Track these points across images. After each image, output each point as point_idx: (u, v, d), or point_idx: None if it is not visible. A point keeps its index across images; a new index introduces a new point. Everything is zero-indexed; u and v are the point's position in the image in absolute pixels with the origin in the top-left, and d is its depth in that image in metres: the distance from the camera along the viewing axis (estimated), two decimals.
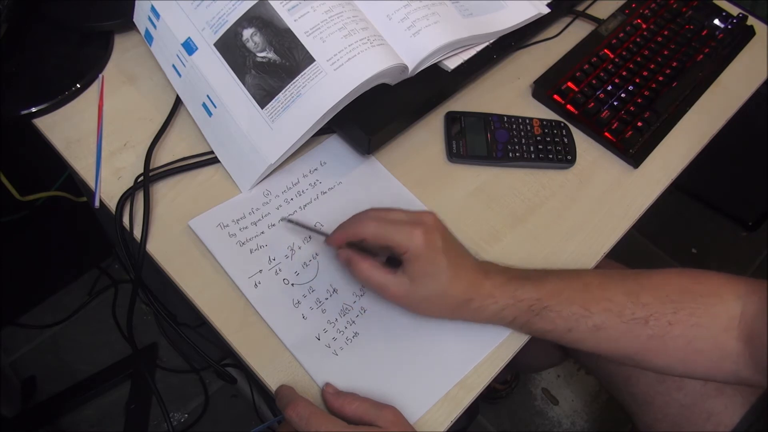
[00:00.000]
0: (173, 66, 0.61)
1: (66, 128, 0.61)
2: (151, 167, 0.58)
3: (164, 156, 0.60)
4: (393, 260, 0.50)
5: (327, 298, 0.53)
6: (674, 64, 0.72)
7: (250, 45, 0.57)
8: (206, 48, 0.58)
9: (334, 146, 0.63)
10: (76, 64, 0.64)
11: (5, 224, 0.92)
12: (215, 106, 0.58)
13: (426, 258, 0.47)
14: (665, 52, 0.73)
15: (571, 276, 0.53)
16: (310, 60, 0.55)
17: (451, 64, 0.64)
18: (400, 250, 0.47)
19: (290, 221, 0.56)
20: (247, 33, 0.57)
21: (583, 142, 0.67)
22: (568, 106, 0.68)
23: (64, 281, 1.26)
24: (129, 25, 0.65)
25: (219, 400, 1.19)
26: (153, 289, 0.57)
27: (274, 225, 0.57)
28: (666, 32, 0.75)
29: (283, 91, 0.56)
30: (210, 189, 0.59)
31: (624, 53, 0.72)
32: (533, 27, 0.70)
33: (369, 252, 0.50)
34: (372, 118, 0.58)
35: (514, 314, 0.50)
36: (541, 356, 0.94)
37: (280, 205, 0.58)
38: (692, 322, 0.49)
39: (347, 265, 0.50)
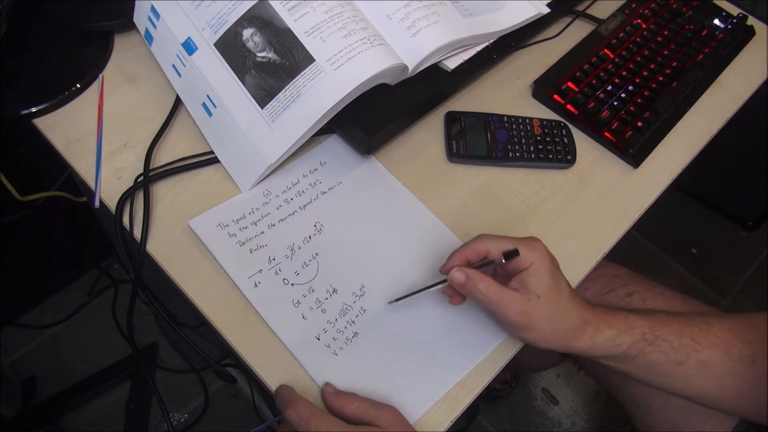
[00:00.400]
0: (173, 66, 0.61)
1: (66, 128, 0.61)
2: (151, 167, 0.58)
3: (164, 156, 0.60)
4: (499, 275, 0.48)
5: (327, 298, 0.53)
6: (674, 64, 0.72)
7: (250, 45, 0.57)
8: (206, 48, 0.58)
9: (334, 146, 0.63)
10: (76, 64, 0.64)
11: (5, 224, 0.92)
12: (215, 106, 0.58)
13: (550, 272, 0.46)
14: (665, 52, 0.73)
15: (675, 313, 0.51)
16: (310, 60, 0.55)
17: (451, 64, 0.64)
18: (524, 263, 0.46)
19: (398, 300, 0.52)
20: (247, 33, 0.57)
21: (583, 142, 0.67)
22: (568, 106, 0.68)
23: (64, 281, 1.26)
24: (129, 25, 0.65)
25: (219, 400, 1.19)
26: (153, 289, 0.57)
27: (273, 225, 0.57)
28: (666, 32, 0.75)
29: (283, 91, 0.56)
30: (210, 189, 0.59)
31: (624, 53, 0.72)
32: (533, 27, 0.70)
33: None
34: (372, 118, 0.58)
35: (628, 342, 0.48)
36: (540, 356, 0.94)
37: (280, 205, 0.58)
38: None
39: (464, 284, 0.47)
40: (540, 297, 0.46)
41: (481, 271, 0.47)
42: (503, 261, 0.47)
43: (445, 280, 0.49)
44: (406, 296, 0.51)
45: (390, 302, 0.52)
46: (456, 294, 0.51)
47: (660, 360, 0.48)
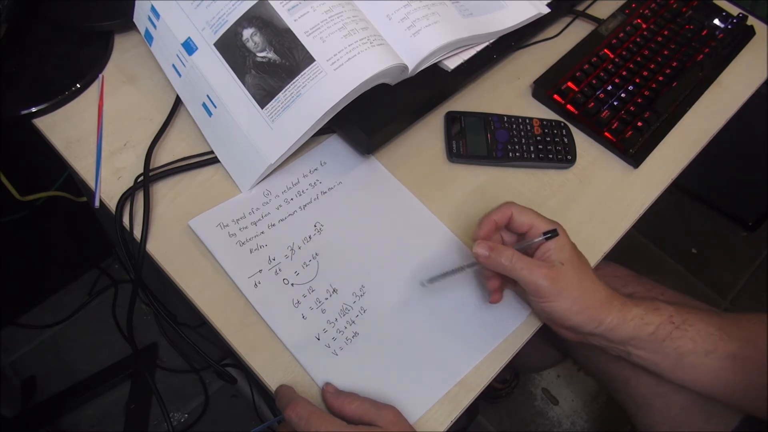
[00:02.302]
0: (173, 66, 0.61)
1: (66, 128, 0.61)
2: (151, 167, 0.58)
3: (164, 156, 0.60)
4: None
5: (327, 298, 0.53)
6: (674, 64, 0.72)
7: (250, 45, 0.57)
8: (206, 48, 0.58)
9: (334, 146, 0.63)
10: (76, 64, 0.64)
11: (5, 224, 0.92)
12: (215, 106, 0.58)
13: (570, 245, 0.48)
14: (665, 52, 0.73)
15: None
16: (310, 60, 0.55)
17: (451, 64, 0.64)
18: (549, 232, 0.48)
19: (433, 281, 0.52)
20: (247, 33, 0.57)
21: (583, 142, 0.67)
22: (568, 106, 0.68)
23: (64, 281, 1.26)
24: (129, 25, 0.65)
25: (219, 400, 1.19)
26: (153, 289, 0.57)
27: (273, 225, 0.57)
28: (666, 32, 0.75)
29: (283, 91, 0.56)
30: (210, 189, 0.59)
31: (624, 53, 0.72)
32: (533, 27, 0.70)
33: None
34: (372, 118, 0.58)
35: (656, 321, 0.47)
36: (540, 356, 0.94)
37: (280, 205, 0.58)
38: None
39: (488, 257, 0.48)
40: (564, 264, 0.47)
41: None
42: (543, 239, 0.48)
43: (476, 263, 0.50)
44: (440, 276, 0.51)
45: (423, 283, 0.53)
46: (492, 277, 0.52)
47: (689, 348, 0.47)
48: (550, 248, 0.48)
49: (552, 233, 0.48)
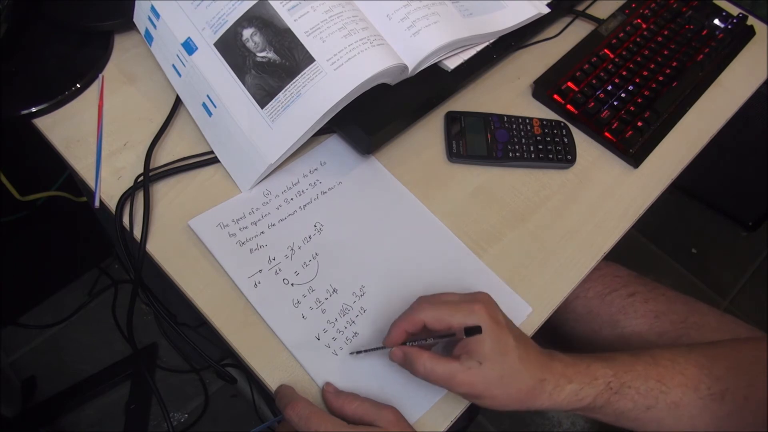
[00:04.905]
0: (173, 66, 0.61)
1: (66, 128, 0.61)
2: (151, 167, 0.58)
3: (164, 156, 0.60)
4: (448, 348, 0.47)
5: (327, 298, 0.53)
6: (674, 64, 0.72)
7: (250, 45, 0.57)
8: (206, 48, 0.58)
9: (334, 146, 0.63)
10: (76, 64, 0.64)
11: (5, 224, 0.92)
12: (215, 106, 0.58)
13: (492, 334, 0.44)
14: (665, 52, 0.73)
15: (638, 352, 0.50)
16: (310, 60, 0.55)
17: (451, 64, 0.64)
18: (462, 330, 0.45)
19: (359, 353, 0.51)
20: (247, 33, 0.57)
21: (583, 142, 0.67)
22: (568, 106, 0.68)
23: (64, 281, 1.26)
24: (129, 25, 0.65)
25: (219, 400, 1.19)
26: (153, 289, 0.57)
27: (274, 225, 0.57)
28: (666, 32, 0.75)
29: (283, 91, 0.56)
30: (210, 189, 0.59)
31: (624, 53, 0.72)
32: (533, 27, 0.70)
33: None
34: (372, 118, 0.58)
35: (592, 394, 0.46)
36: None
37: (280, 205, 0.58)
38: (765, 396, 0.46)
39: (404, 362, 0.46)
40: (482, 363, 0.44)
41: (418, 346, 0.46)
42: (464, 336, 0.45)
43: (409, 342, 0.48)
44: (367, 350, 0.50)
45: (351, 353, 0.51)
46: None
47: (628, 407, 0.47)
48: (468, 342, 0.45)
49: (474, 330, 0.44)
